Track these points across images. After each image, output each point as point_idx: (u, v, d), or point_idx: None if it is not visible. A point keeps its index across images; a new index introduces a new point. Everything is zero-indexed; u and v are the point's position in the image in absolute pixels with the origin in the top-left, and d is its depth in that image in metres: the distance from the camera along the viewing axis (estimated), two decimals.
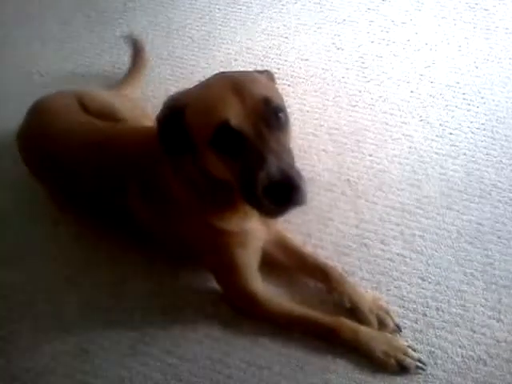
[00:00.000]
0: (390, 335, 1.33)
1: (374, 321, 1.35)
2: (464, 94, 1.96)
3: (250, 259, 1.34)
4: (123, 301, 1.45)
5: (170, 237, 1.39)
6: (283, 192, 1.05)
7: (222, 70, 2.01)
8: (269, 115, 1.10)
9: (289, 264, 1.48)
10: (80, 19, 2.38)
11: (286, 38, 2.23)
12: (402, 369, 1.28)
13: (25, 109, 1.64)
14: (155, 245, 1.47)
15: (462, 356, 1.32)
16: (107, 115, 1.53)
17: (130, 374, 1.32)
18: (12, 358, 1.36)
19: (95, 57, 2.19)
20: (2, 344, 1.39)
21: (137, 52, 2.05)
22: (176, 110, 1.18)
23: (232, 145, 1.09)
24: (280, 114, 1.13)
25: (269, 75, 1.28)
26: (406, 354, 1.29)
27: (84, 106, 1.55)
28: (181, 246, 1.41)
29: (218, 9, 2.39)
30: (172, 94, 1.25)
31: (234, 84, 1.12)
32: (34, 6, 2.47)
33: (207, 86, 1.18)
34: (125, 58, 2.16)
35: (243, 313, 1.39)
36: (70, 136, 1.46)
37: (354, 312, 1.37)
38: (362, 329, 1.32)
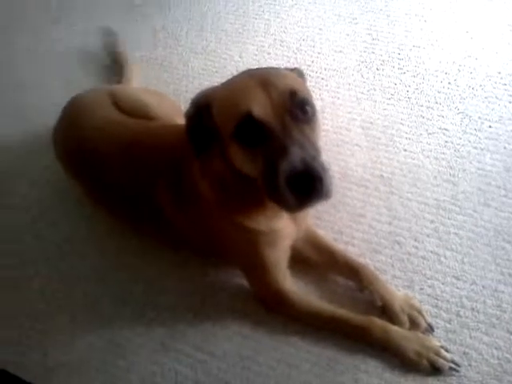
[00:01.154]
0: (422, 335, 1.31)
1: (406, 320, 1.33)
2: (505, 84, 1.89)
3: (278, 258, 1.34)
4: (155, 297, 1.47)
5: (199, 235, 1.40)
6: (305, 183, 1.03)
7: (255, 63, 2.06)
8: (294, 107, 1.09)
9: (319, 261, 1.47)
10: (116, 14, 2.40)
11: (320, 29, 2.19)
12: (435, 370, 1.26)
13: (64, 103, 1.67)
14: (185, 243, 1.48)
15: (498, 358, 1.29)
16: (139, 113, 1.55)
17: (161, 369, 1.34)
18: (48, 351, 1.40)
19: (130, 53, 2.20)
20: (40, 337, 1.43)
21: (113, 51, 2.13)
22: (203, 106, 1.18)
23: (255, 136, 1.08)
24: (307, 107, 1.11)
25: (298, 72, 1.27)
26: (438, 354, 1.27)
27: (117, 103, 1.57)
28: (209, 245, 1.42)
29: (252, 1, 2.38)
30: (201, 89, 1.25)
31: (259, 78, 1.12)
32: (78, 2, 2.51)
33: (234, 81, 1.18)
34: (159, 51, 2.20)
35: (273, 311, 1.39)
36: (101, 133, 1.47)
37: (386, 311, 1.35)
38: (394, 328, 1.30)
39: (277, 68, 1.24)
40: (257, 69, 1.22)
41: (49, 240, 1.64)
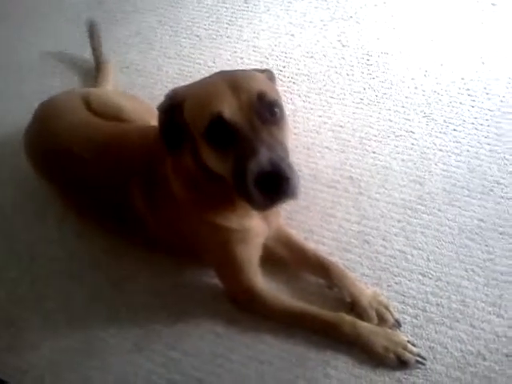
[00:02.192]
0: (389, 330, 1.35)
1: (374, 316, 1.37)
2: (469, 89, 1.96)
3: (250, 256, 1.36)
4: (127, 298, 1.48)
5: (172, 235, 1.42)
6: (272, 183, 1.07)
7: (228, 68, 2.07)
8: (263, 109, 1.12)
9: (290, 259, 1.50)
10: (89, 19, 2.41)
11: (292, 35, 2.24)
12: (402, 363, 1.30)
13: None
14: (158, 242, 1.49)
15: (461, 351, 1.33)
16: (112, 115, 1.56)
17: (134, 369, 1.35)
18: (21, 352, 1.40)
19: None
20: (12, 340, 1.43)
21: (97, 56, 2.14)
22: (175, 104, 1.21)
23: (225, 137, 1.11)
24: (275, 109, 1.15)
25: (268, 74, 1.30)
26: (405, 348, 1.31)
27: (89, 105, 1.59)
28: (182, 244, 1.44)
29: (226, 8, 2.42)
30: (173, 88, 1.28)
31: (230, 80, 1.15)
32: (46, 7, 2.52)
33: (205, 82, 1.22)
34: (133, 56, 2.22)
35: (245, 309, 1.42)
36: (73, 135, 1.49)
37: (354, 307, 1.39)
38: (362, 324, 1.34)
39: (248, 70, 1.29)
40: (228, 71, 1.26)
41: (19, 241, 1.64)
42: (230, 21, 2.35)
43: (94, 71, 2.10)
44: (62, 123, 1.53)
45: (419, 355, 1.31)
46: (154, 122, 1.53)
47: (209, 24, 2.35)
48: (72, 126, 1.51)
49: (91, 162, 1.44)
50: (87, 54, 2.18)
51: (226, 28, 2.32)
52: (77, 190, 1.52)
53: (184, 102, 1.20)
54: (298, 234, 1.54)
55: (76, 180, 1.49)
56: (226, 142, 1.12)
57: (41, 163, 1.61)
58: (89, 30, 2.15)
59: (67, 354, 1.40)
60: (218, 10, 2.41)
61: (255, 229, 1.35)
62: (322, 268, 1.45)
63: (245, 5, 2.42)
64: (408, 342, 1.33)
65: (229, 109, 1.10)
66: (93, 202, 1.50)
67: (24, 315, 1.48)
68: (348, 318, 1.35)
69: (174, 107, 1.21)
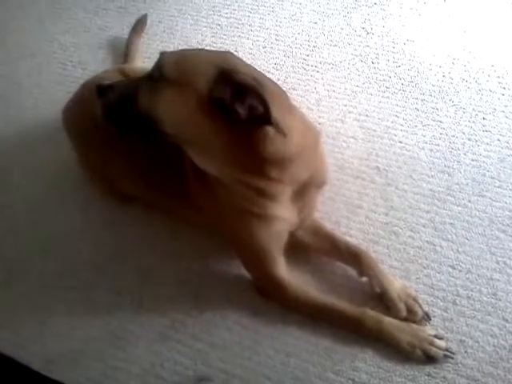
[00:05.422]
0: (415, 326, 1.32)
1: (403, 308, 1.34)
2: (499, 77, 1.90)
3: (275, 243, 1.34)
4: (153, 288, 1.48)
5: (211, 212, 1.40)
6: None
7: (250, 57, 2.06)
8: None
9: (320, 248, 1.47)
10: (111, 9, 2.40)
11: (315, 23, 2.20)
12: (429, 358, 1.27)
13: (60, 98, 1.68)
14: (184, 232, 1.50)
15: (494, 345, 1.30)
16: None
17: (160, 360, 1.35)
18: (47, 342, 1.41)
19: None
20: (38, 329, 1.44)
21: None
22: None
23: None
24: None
25: None
26: (431, 343, 1.28)
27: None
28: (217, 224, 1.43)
29: None
30: None
31: None
32: None
33: None
34: (155, 45, 2.19)
35: (269, 297, 1.40)
36: None
37: (383, 298, 1.36)
38: (387, 319, 1.31)
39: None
40: None
41: (44, 232, 1.65)
42: (251, 9, 2.32)
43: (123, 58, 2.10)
44: None
45: (447, 349, 1.28)
46: None
47: (230, 12, 2.31)
48: None
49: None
50: (105, 46, 2.20)
51: (248, 16, 2.28)
52: (125, 161, 1.52)
53: None
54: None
55: (124, 151, 1.49)
56: None
57: (83, 139, 1.61)
58: (138, 21, 2.18)
59: (92, 344, 1.40)
60: None
61: (280, 216, 1.32)
62: (352, 256, 1.42)
63: None
64: (436, 336, 1.30)
65: None
66: (146, 173, 1.50)
67: (50, 306, 1.48)
68: (372, 313, 1.32)
69: None
